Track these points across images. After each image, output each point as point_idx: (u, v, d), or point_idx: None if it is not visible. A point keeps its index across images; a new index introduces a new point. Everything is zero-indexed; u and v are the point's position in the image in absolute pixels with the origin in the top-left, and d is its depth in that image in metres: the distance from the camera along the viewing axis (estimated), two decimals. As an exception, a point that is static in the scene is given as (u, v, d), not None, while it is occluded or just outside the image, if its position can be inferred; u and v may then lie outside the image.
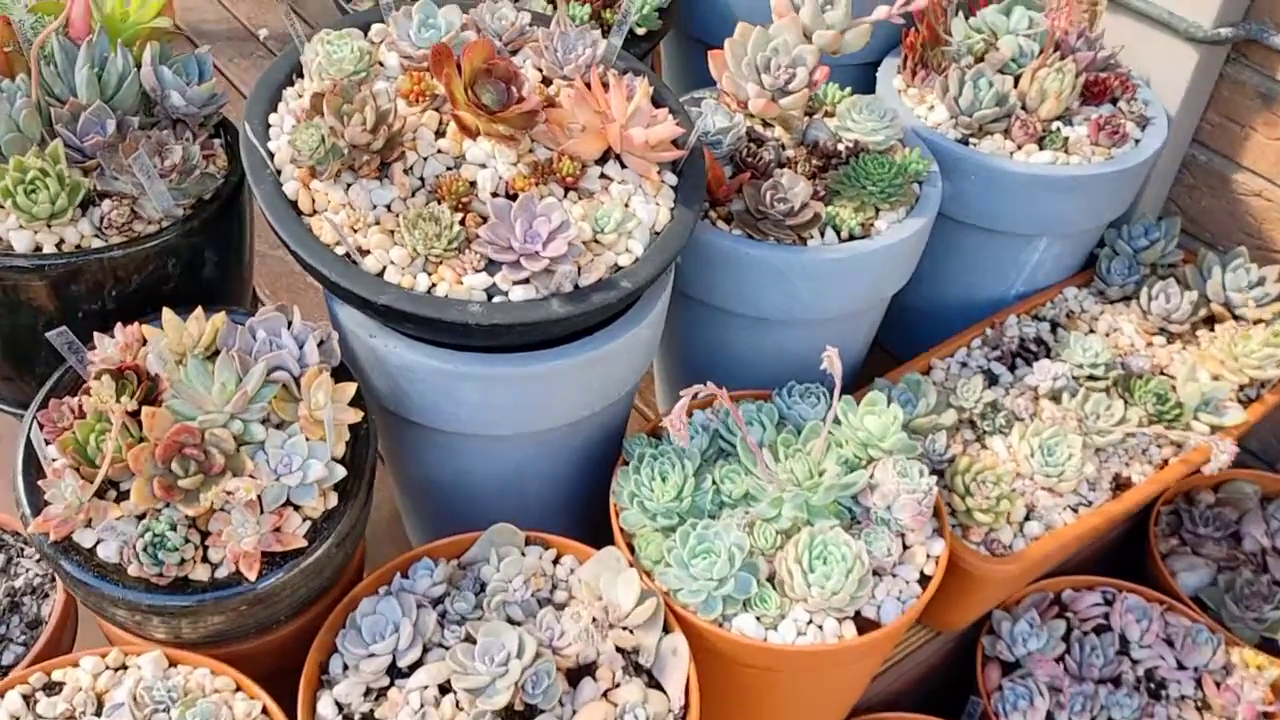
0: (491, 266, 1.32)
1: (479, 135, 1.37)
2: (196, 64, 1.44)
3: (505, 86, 1.38)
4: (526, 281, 1.32)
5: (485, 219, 1.35)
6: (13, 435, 1.29)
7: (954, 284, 1.98)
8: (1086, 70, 1.92)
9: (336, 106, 1.33)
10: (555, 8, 1.78)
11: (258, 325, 1.30)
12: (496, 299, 1.31)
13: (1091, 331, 1.89)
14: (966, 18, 1.97)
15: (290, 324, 1.32)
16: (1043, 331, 1.87)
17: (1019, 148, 1.81)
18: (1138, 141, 1.86)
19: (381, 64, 1.50)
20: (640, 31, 1.82)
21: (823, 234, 1.61)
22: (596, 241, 1.38)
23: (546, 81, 1.53)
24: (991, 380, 1.78)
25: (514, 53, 1.56)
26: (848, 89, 1.82)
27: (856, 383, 1.92)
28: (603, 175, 1.44)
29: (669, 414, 1.23)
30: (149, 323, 1.30)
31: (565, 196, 1.42)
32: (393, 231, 1.33)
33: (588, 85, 1.47)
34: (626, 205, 1.43)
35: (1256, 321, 1.86)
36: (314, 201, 1.34)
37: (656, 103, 1.56)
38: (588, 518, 1.64)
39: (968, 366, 1.82)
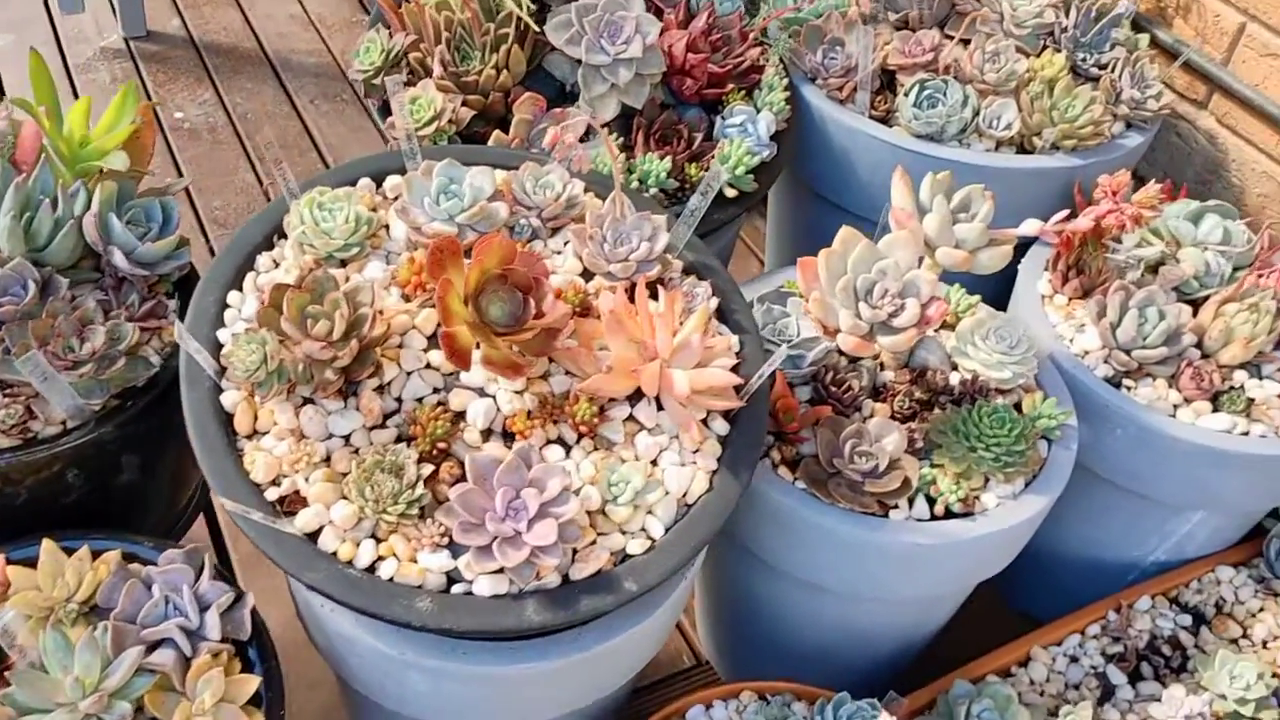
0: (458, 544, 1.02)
1: (473, 360, 1.07)
2: (162, 211, 1.17)
3: (522, 298, 1.08)
4: (500, 571, 1.01)
5: (464, 472, 1.05)
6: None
7: (1077, 538, 1.60)
8: (1288, 301, 1.52)
9: (299, 308, 1.04)
10: (631, 156, 1.46)
11: (156, 577, 1.03)
12: (458, 588, 1.01)
13: (1245, 636, 1.49)
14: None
15: (199, 577, 1.04)
16: (1182, 628, 1.49)
17: (1186, 402, 1.42)
18: (1344, 411, 1.45)
19: (388, 229, 1.21)
20: (730, 193, 1.49)
21: (911, 502, 1.26)
22: (604, 514, 1.07)
23: (587, 275, 1.22)
24: (1106, 693, 1.41)
25: (555, 231, 1.25)
26: (976, 296, 1.47)
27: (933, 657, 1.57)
28: (631, 418, 1.13)
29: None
30: (29, 549, 1.04)
31: (578, 443, 1.11)
32: (345, 474, 1.04)
33: (630, 295, 1.16)
34: (654, 464, 1.11)
35: None
36: (256, 420, 1.06)
37: (723, 315, 1.23)
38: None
39: (1078, 664, 1.44)
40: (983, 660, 1.43)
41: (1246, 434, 1.40)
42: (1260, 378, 1.46)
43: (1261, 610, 1.52)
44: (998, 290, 1.60)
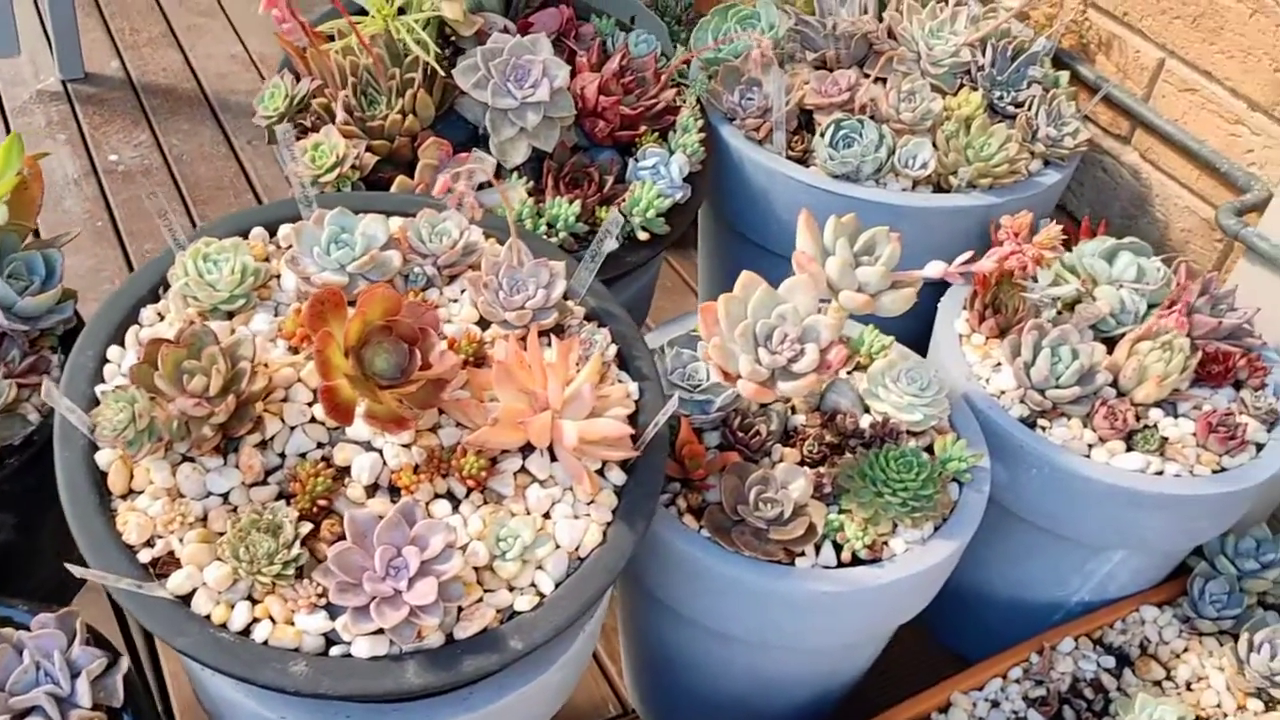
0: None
1: (355, 415, 1.05)
2: (44, 263, 1.15)
3: (408, 349, 1.06)
4: (379, 632, 0.98)
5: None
6: None
7: (1000, 578, 1.59)
8: (1205, 338, 1.52)
9: (174, 364, 1.02)
10: (540, 200, 1.45)
11: (28, 642, 1.00)
12: (336, 650, 0.98)
13: (1169, 678, 1.47)
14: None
15: (72, 643, 1.01)
16: (1105, 670, 1.47)
17: (1101, 442, 1.41)
18: (1260, 448, 1.44)
19: (279, 280, 1.19)
20: (642, 236, 1.48)
21: (818, 549, 1.24)
22: (491, 570, 1.05)
23: (484, 324, 1.21)
24: (1026, 737, 1.39)
25: (452, 279, 1.24)
26: (889, 337, 1.46)
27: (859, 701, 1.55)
28: (523, 469, 1.11)
29: None
30: (-106, 616, 1.01)
31: (467, 497, 1.09)
32: (221, 534, 1.01)
33: (523, 344, 1.14)
34: (547, 516, 1.09)
35: (1390, 703, 1.42)
36: (132, 479, 1.04)
37: (624, 362, 1.22)
38: None
39: (999, 709, 1.42)
40: (901, 707, 1.40)
41: (1161, 473, 1.39)
42: (1175, 416, 1.45)
43: (1186, 651, 1.50)
44: (922, 328, 1.60)
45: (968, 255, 1.27)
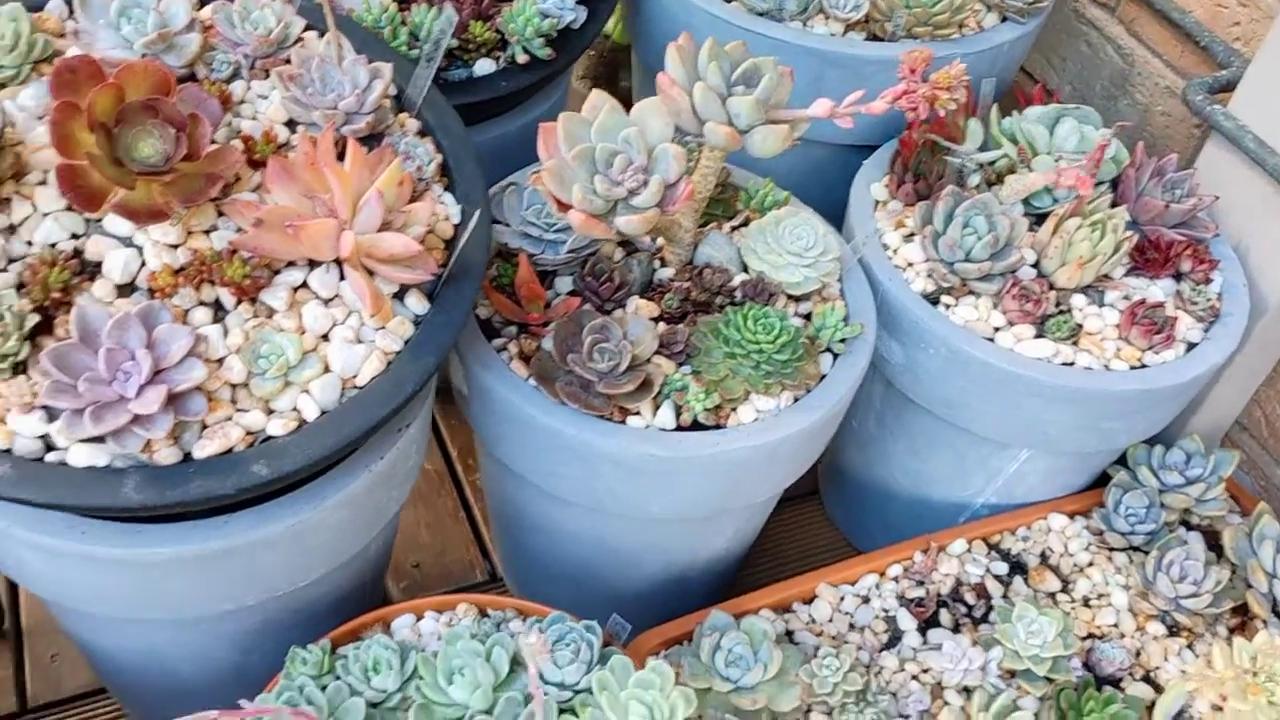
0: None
1: (106, 203, 0.92)
2: None
3: (175, 134, 0.94)
4: (101, 439, 0.88)
5: (82, 329, 0.92)
6: None
7: (904, 473, 1.45)
8: (1152, 223, 1.35)
9: (-102, 126, 0.91)
10: (406, 10, 1.30)
11: None
12: (53, 456, 0.88)
13: (1065, 591, 1.34)
14: (1002, 117, 1.41)
15: None
16: (994, 577, 1.33)
17: (1009, 325, 1.26)
18: (1191, 347, 1.28)
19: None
20: (522, 59, 1.33)
21: (657, 410, 1.11)
22: (247, 387, 0.93)
23: (292, 125, 1.08)
24: (893, 638, 1.27)
25: (267, 74, 1.10)
26: (785, 193, 1.31)
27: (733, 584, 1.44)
28: (304, 285, 0.99)
29: None
30: None
31: (236, 308, 0.97)
32: (-57, 322, 0.91)
33: (342, 152, 1.01)
34: (326, 339, 0.97)
35: (1305, 636, 1.28)
36: None
37: (452, 184, 1.09)
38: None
39: (869, 604, 1.30)
40: (762, 592, 1.29)
41: (1071, 364, 1.24)
42: (1101, 305, 1.29)
43: (1090, 565, 1.36)
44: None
45: (858, 94, 1.12)
